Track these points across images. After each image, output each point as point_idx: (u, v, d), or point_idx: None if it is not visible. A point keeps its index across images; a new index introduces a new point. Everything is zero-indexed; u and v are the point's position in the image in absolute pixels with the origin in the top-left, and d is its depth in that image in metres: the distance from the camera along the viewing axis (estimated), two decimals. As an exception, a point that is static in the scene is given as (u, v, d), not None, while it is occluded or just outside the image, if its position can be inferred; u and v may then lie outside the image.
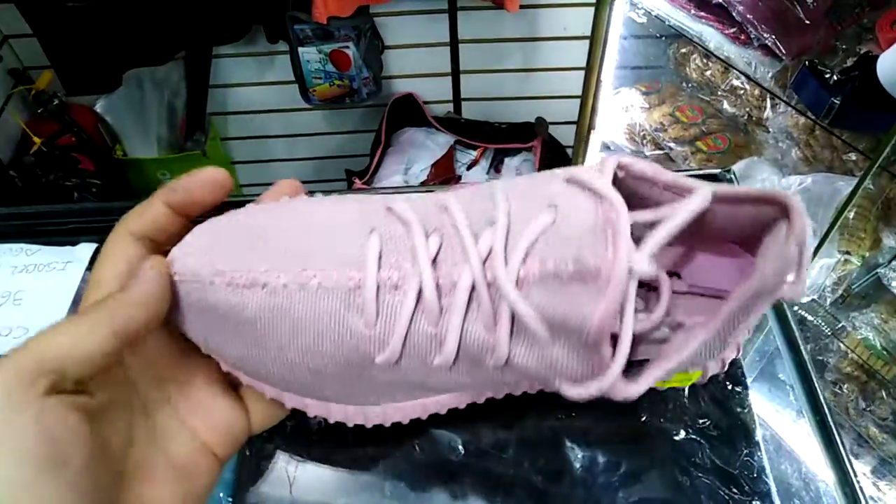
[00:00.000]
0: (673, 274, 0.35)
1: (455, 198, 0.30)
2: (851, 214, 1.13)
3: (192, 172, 0.30)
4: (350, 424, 0.35)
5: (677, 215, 0.27)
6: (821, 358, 1.34)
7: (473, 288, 0.27)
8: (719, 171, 0.48)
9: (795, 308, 1.22)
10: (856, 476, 0.34)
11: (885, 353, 1.22)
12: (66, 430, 0.22)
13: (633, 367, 0.29)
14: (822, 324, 1.24)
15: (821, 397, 0.36)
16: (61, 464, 0.21)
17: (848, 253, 1.15)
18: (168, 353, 0.30)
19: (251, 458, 0.41)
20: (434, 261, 0.28)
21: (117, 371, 0.27)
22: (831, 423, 0.36)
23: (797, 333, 0.39)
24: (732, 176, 0.48)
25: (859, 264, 1.17)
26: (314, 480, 0.41)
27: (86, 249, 0.48)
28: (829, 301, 1.20)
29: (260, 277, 0.28)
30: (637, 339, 0.33)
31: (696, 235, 0.32)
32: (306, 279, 0.28)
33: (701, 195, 0.27)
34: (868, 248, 1.15)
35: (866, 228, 1.14)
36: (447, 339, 0.28)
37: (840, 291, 1.20)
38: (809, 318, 1.24)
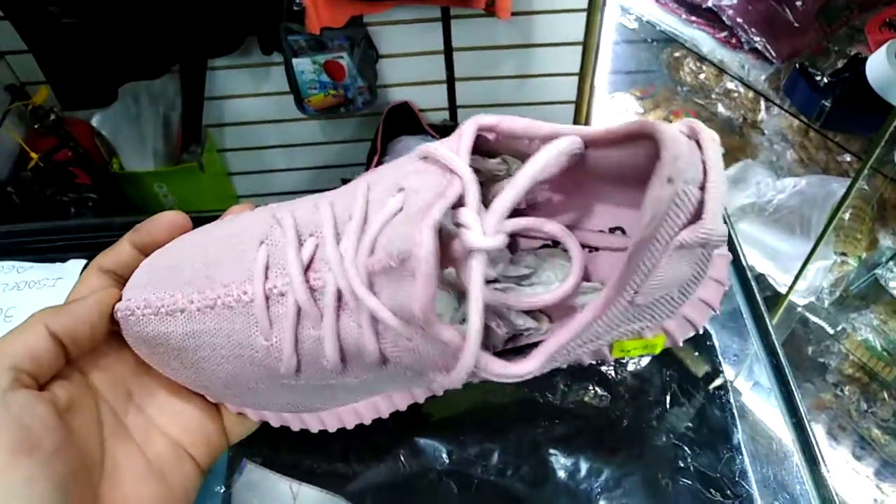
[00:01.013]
0: (616, 229, 0.33)
1: (331, 195, 0.30)
2: (847, 216, 1.13)
3: (154, 217, 0.33)
4: (295, 429, 0.36)
5: (522, 175, 0.25)
6: (822, 360, 1.34)
7: (340, 289, 0.27)
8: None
9: (798, 309, 1.22)
10: (829, 474, 0.35)
11: (885, 354, 1.22)
12: (36, 418, 0.25)
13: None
14: (826, 325, 1.24)
15: (797, 399, 0.37)
16: (32, 447, 0.24)
17: (844, 254, 1.15)
18: (130, 364, 0.32)
19: (237, 471, 0.42)
20: (310, 265, 0.28)
21: (76, 378, 0.29)
22: (808, 426, 0.36)
23: (774, 336, 0.39)
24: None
25: (856, 265, 1.17)
26: (298, 493, 0.41)
27: (75, 265, 0.49)
28: (826, 302, 1.20)
29: (178, 303, 0.29)
30: (560, 308, 0.31)
31: (617, 186, 0.30)
32: (212, 300, 0.29)
33: (552, 146, 0.26)
34: (865, 249, 1.15)
35: (862, 230, 1.14)
36: (326, 341, 0.28)
37: (838, 293, 1.20)
38: (813, 319, 1.25)
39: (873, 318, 1.22)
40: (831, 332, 1.26)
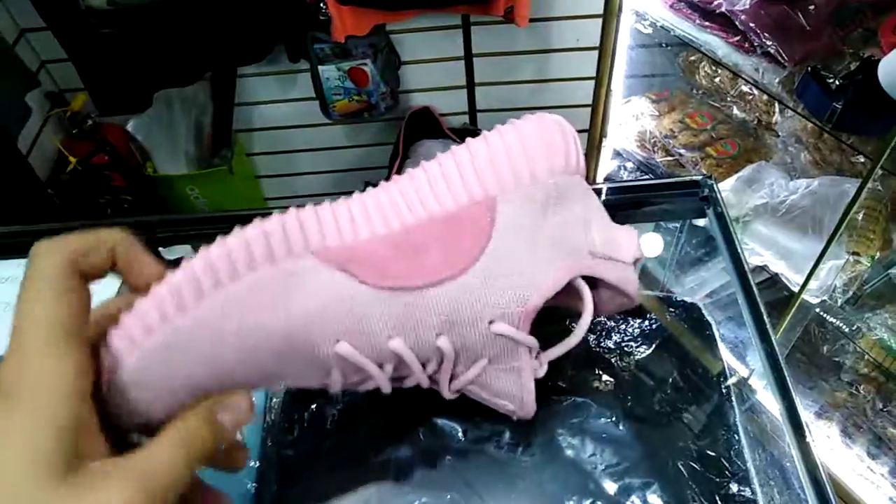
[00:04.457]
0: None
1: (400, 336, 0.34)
2: (860, 216, 1.14)
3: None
4: None
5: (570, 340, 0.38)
6: (837, 359, 1.35)
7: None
8: (700, 177, 0.52)
9: (817, 310, 1.23)
10: (816, 449, 0.38)
11: (900, 353, 1.23)
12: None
13: None
14: (841, 324, 1.25)
15: (789, 383, 0.40)
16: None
17: (857, 254, 1.16)
18: None
19: (272, 448, 0.46)
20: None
21: None
22: (798, 407, 0.39)
23: (768, 325, 0.42)
24: (713, 183, 0.51)
25: (869, 265, 1.18)
26: (325, 468, 0.45)
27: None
28: (839, 302, 1.21)
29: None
30: None
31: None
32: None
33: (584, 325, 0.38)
34: (878, 249, 1.16)
35: (875, 230, 1.15)
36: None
37: (851, 292, 1.21)
38: (828, 318, 1.26)
39: (888, 317, 1.23)
40: (846, 331, 1.27)
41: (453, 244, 0.34)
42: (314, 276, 0.32)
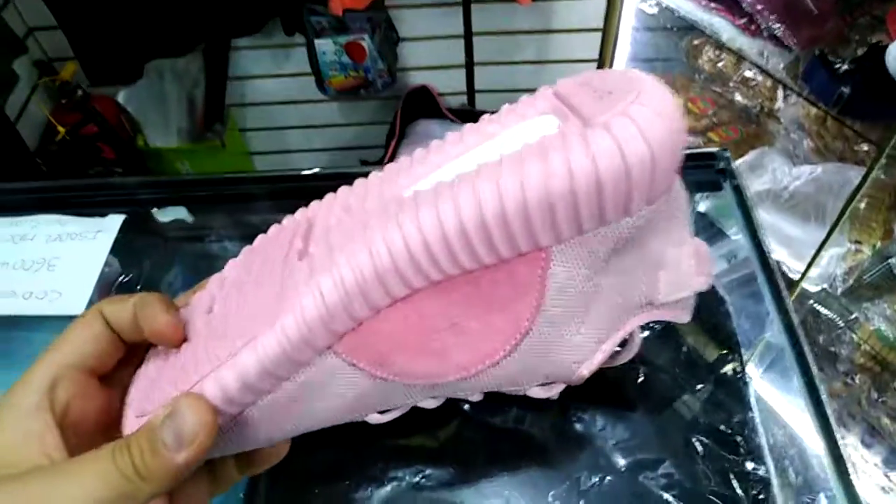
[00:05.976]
0: None
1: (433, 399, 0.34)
2: (863, 204, 1.13)
3: (152, 311, 0.29)
4: None
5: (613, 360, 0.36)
6: (833, 349, 1.35)
7: None
8: (717, 150, 0.50)
9: (811, 298, 1.23)
10: (843, 439, 0.36)
11: (897, 344, 1.23)
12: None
13: None
14: (836, 315, 1.25)
15: (809, 359, 0.38)
16: None
17: (859, 242, 1.15)
18: None
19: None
20: None
21: None
22: (819, 386, 0.38)
23: (786, 298, 0.41)
24: (729, 156, 0.50)
25: (871, 254, 1.17)
26: (325, 435, 0.43)
27: (114, 220, 0.51)
28: (839, 290, 1.21)
29: None
30: None
31: None
32: None
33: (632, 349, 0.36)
34: (880, 238, 1.16)
35: (878, 218, 1.15)
36: None
37: (851, 281, 1.21)
38: (823, 310, 1.25)
39: (886, 307, 1.23)
40: (843, 321, 1.26)
41: (491, 322, 0.29)
42: (333, 379, 0.29)
